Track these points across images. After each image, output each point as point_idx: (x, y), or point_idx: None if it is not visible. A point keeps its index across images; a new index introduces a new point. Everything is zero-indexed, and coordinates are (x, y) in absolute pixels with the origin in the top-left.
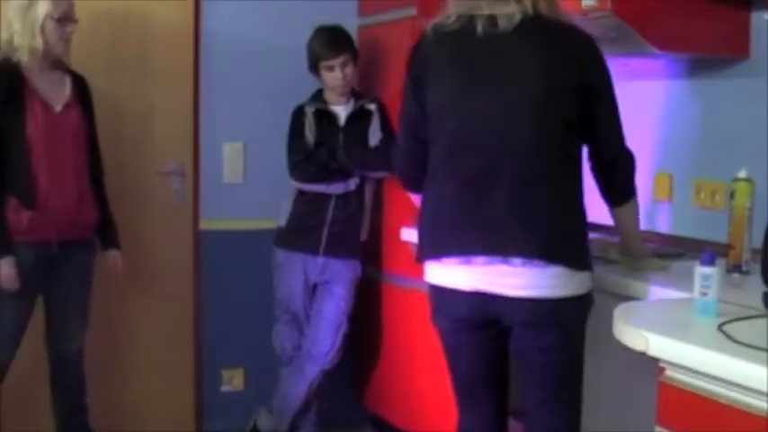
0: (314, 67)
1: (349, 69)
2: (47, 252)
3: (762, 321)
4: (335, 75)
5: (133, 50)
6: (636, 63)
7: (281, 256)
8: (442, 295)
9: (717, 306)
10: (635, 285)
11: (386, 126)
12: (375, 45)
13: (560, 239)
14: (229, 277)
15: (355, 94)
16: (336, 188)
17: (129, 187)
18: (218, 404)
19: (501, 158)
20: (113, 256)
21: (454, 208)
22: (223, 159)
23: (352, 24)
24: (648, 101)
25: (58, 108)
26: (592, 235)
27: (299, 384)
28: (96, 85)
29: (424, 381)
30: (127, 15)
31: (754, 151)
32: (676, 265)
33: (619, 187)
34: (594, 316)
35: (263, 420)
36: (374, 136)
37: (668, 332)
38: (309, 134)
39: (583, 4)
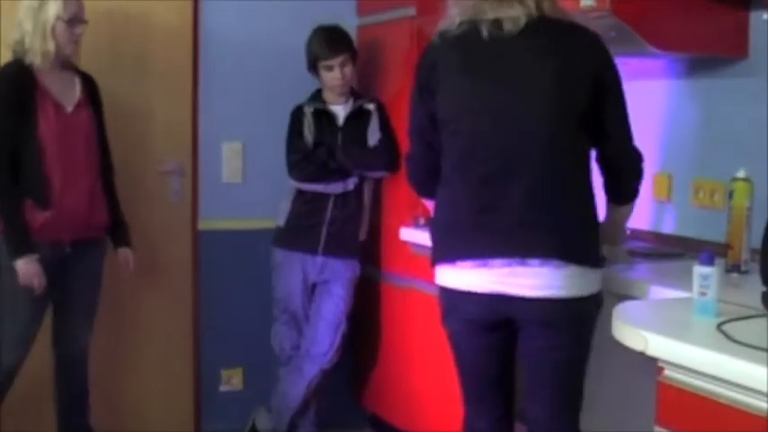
0: (313, 67)
1: (348, 69)
2: (60, 252)
3: (761, 321)
4: (334, 74)
5: (132, 50)
6: (635, 63)
7: (279, 255)
8: (455, 298)
9: (716, 306)
10: (635, 285)
11: (385, 126)
12: (374, 45)
13: (576, 239)
14: (228, 277)
15: (354, 93)
16: (335, 188)
17: (128, 187)
18: (216, 404)
19: (516, 160)
20: (125, 253)
21: (470, 211)
22: (222, 159)
23: (351, 24)
24: (647, 100)
25: (70, 108)
26: None
27: (297, 384)
28: None
29: (422, 380)
30: (126, 15)
31: (753, 151)
32: (676, 265)
33: (624, 189)
34: None
35: (262, 420)
36: (373, 136)
37: (667, 332)
38: (308, 134)
39: (581, 4)
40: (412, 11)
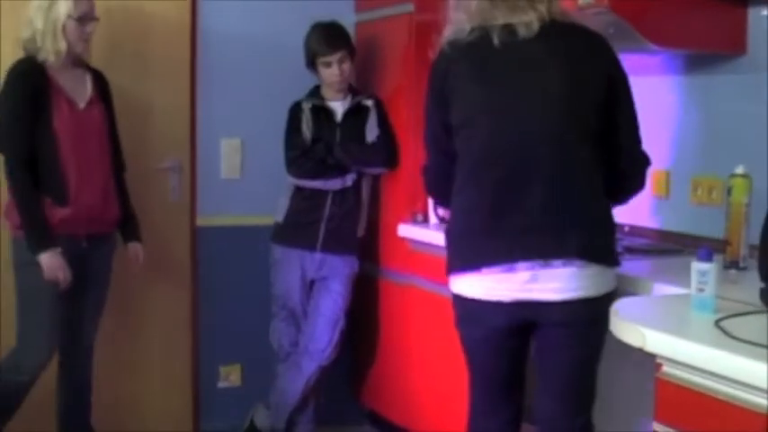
0: (311, 64)
1: (346, 65)
2: (77, 247)
3: (759, 317)
4: (332, 71)
5: (131, 47)
6: (633, 59)
7: (278, 252)
8: (477, 307)
9: (714, 302)
10: (633, 281)
11: (383, 122)
12: (372, 41)
13: (596, 238)
14: (226, 273)
15: (352, 90)
16: (333, 184)
17: (127, 184)
18: (215, 400)
19: (533, 162)
20: (135, 248)
21: (489, 216)
22: (220, 155)
23: (349, 20)
24: (645, 97)
25: (82, 105)
26: None
27: (296, 380)
28: None
29: (421, 377)
30: (125, 12)
31: (752, 147)
32: (674, 261)
33: (625, 191)
34: None
35: (261, 416)
36: (371, 132)
37: (665, 328)
38: (306, 130)
39: (580, 2)
40: (410, 7)
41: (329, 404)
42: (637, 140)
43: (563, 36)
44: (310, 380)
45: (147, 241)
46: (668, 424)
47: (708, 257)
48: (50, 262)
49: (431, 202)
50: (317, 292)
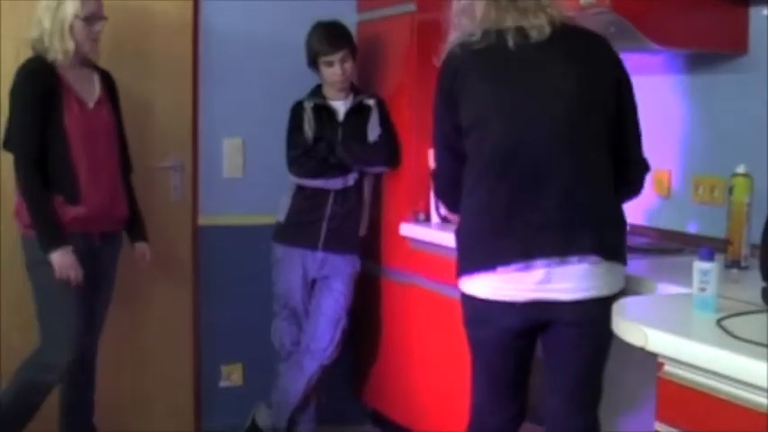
0: (313, 63)
1: (348, 65)
2: (91, 245)
3: (761, 317)
4: (334, 70)
5: (133, 46)
6: (634, 58)
7: (279, 251)
8: (489, 308)
9: (715, 301)
10: (635, 280)
11: (385, 121)
12: (374, 40)
13: (609, 235)
14: (228, 272)
15: (354, 89)
16: (335, 183)
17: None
18: (216, 399)
19: (546, 161)
20: (142, 247)
21: (504, 215)
22: (222, 155)
23: (351, 20)
24: (647, 96)
25: (91, 105)
26: None
27: (297, 380)
28: None
29: (423, 376)
30: (127, 11)
31: (753, 146)
32: (676, 261)
33: (624, 198)
34: None
35: (262, 416)
36: (373, 131)
37: (667, 327)
38: (308, 129)
39: (581, 1)
40: (411, 6)
41: (331, 403)
42: (640, 145)
43: (572, 39)
44: (312, 379)
45: (150, 240)
46: (670, 423)
47: (709, 257)
48: (61, 261)
49: (433, 201)
50: (319, 291)
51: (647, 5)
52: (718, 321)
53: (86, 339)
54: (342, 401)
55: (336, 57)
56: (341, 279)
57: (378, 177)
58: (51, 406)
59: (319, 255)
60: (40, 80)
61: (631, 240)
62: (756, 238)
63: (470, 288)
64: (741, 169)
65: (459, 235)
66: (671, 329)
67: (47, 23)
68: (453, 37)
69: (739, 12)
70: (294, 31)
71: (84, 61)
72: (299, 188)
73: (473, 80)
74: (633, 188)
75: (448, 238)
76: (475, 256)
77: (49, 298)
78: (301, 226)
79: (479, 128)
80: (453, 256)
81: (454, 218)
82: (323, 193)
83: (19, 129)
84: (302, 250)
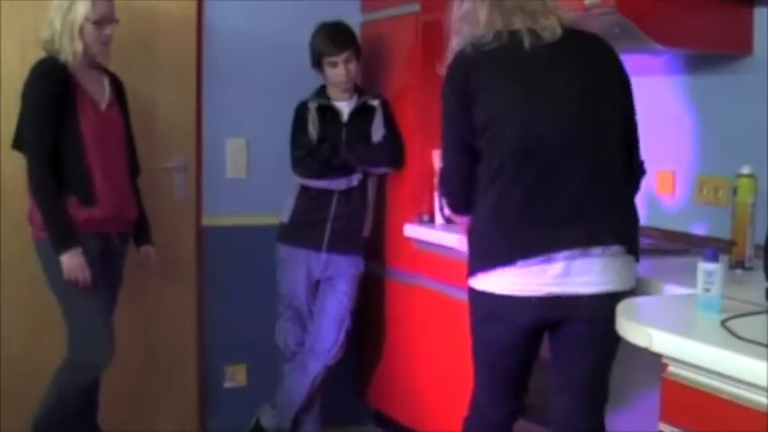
0: (317, 63)
1: (352, 65)
2: (110, 245)
3: (765, 317)
4: (338, 71)
5: (136, 46)
6: (639, 59)
7: (283, 251)
8: (504, 305)
9: (720, 302)
10: (640, 281)
11: (389, 122)
12: (378, 41)
13: (628, 227)
14: (232, 273)
15: (358, 90)
16: (339, 184)
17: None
18: (221, 400)
19: (565, 156)
20: (148, 251)
21: (524, 210)
22: (226, 155)
23: (355, 20)
24: (651, 97)
25: (103, 107)
26: None
27: (301, 380)
28: None
29: (427, 377)
30: (130, 11)
31: (757, 147)
32: (680, 261)
33: None
34: None
35: (266, 416)
36: (377, 132)
37: (671, 328)
38: (312, 130)
39: (586, 2)
40: (416, 7)
41: (335, 404)
42: (639, 148)
43: (580, 40)
44: (316, 380)
45: (153, 240)
46: (674, 424)
47: (714, 258)
48: (71, 262)
49: (437, 202)
50: (323, 292)
51: (651, 6)
52: (723, 322)
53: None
54: (346, 402)
55: (340, 57)
56: (345, 280)
57: (382, 178)
58: None
59: (323, 255)
60: (53, 80)
61: None
62: (761, 238)
63: (486, 284)
64: (745, 170)
65: (474, 233)
66: (675, 330)
67: (57, 25)
68: (455, 43)
69: (744, 12)
70: (298, 32)
71: (94, 64)
72: (303, 189)
73: (488, 79)
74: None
75: (452, 240)
76: (493, 252)
77: (74, 298)
78: (305, 227)
79: (496, 125)
80: (457, 257)
81: (459, 219)
82: (327, 193)
83: (31, 129)
84: (306, 251)
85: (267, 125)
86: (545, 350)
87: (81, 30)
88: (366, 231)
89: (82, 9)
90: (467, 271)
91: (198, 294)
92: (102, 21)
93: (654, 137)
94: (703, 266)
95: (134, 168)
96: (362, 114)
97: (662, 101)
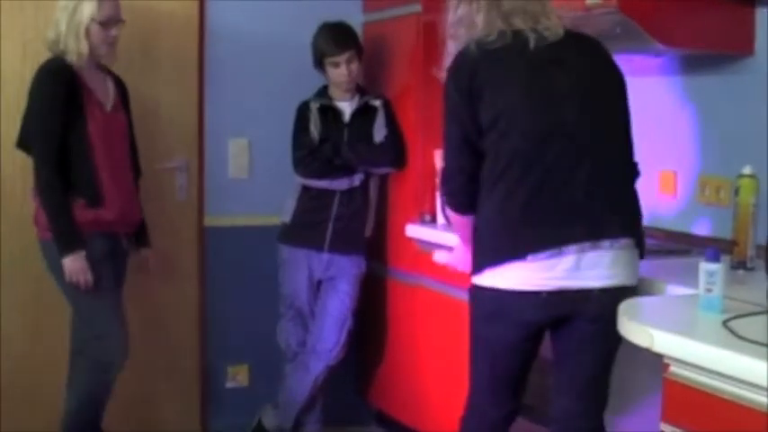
0: (319, 64)
1: (354, 66)
2: (120, 246)
3: (766, 318)
4: (340, 71)
5: (138, 47)
6: (640, 59)
7: (285, 252)
8: (512, 301)
9: (721, 302)
10: (641, 281)
11: (390, 122)
12: (380, 41)
13: (635, 221)
14: (234, 273)
15: (360, 90)
16: (341, 184)
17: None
18: (223, 400)
19: (574, 151)
20: (147, 253)
21: (533, 205)
22: (228, 155)
23: (356, 21)
24: (653, 97)
25: (109, 108)
26: None
27: (303, 381)
28: None
29: (428, 377)
30: (132, 11)
31: (759, 147)
32: (682, 262)
33: None
34: None
35: (268, 416)
36: (379, 132)
37: (673, 328)
38: (314, 130)
39: (587, 2)
40: (417, 7)
41: (336, 404)
42: (633, 150)
43: (582, 41)
44: (318, 380)
45: (155, 241)
46: (676, 424)
47: (715, 258)
48: (72, 265)
49: (439, 202)
50: (325, 292)
51: (653, 6)
52: (724, 322)
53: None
54: (347, 402)
55: (342, 58)
56: (347, 280)
57: (384, 178)
58: (54, 406)
59: (325, 256)
60: (61, 80)
61: None
62: (763, 239)
63: (492, 280)
64: (747, 170)
65: (480, 230)
66: (677, 330)
67: (63, 25)
68: (453, 47)
69: (745, 13)
70: (300, 32)
71: (98, 65)
72: (305, 189)
73: (493, 77)
74: None
75: (454, 240)
76: (502, 247)
77: (85, 298)
78: (307, 227)
79: (502, 124)
80: None
81: (457, 219)
82: (329, 193)
83: (39, 129)
84: (308, 251)
85: (269, 125)
86: (545, 350)
87: (87, 31)
88: (368, 231)
89: (88, 10)
90: (471, 268)
91: (200, 294)
92: (109, 22)
93: (656, 137)
94: (705, 267)
95: (136, 170)
96: (364, 114)
97: (664, 101)
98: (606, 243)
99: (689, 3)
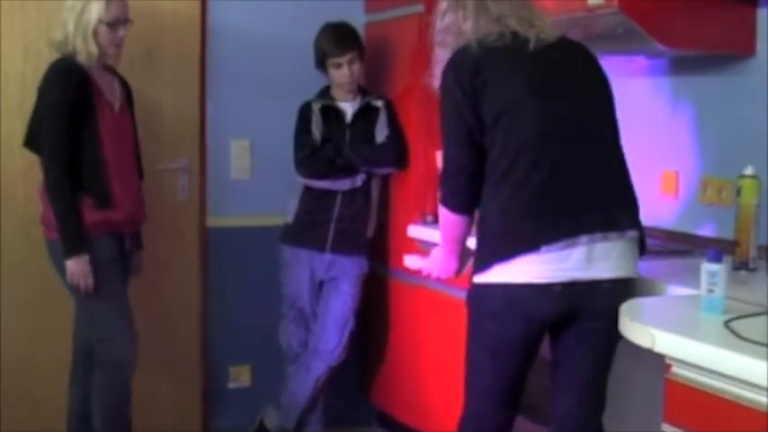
0: (321, 64)
1: (356, 66)
2: (124, 246)
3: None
4: (342, 72)
5: (140, 47)
6: (642, 60)
7: (287, 252)
8: (524, 295)
9: (723, 303)
10: (643, 282)
11: (392, 123)
12: (382, 42)
13: (637, 214)
14: (236, 274)
15: (362, 90)
16: (342, 184)
17: None
18: (225, 401)
19: (580, 144)
20: (140, 255)
21: (542, 198)
22: (230, 156)
23: (359, 21)
24: (655, 97)
25: (117, 108)
26: None
27: (305, 381)
28: None
29: (430, 377)
30: (134, 12)
31: (761, 148)
32: (684, 262)
33: None
34: None
35: (270, 417)
36: (381, 132)
37: (675, 329)
38: (316, 131)
39: (589, 2)
40: (419, 7)
41: (339, 404)
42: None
43: (572, 43)
44: (320, 380)
45: (158, 242)
46: (677, 425)
47: (717, 259)
48: (75, 268)
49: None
50: (327, 292)
51: (655, 7)
52: (726, 323)
53: (86, 342)
54: (350, 402)
55: (344, 58)
56: (349, 280)
57: (386, 179)
58: (55, 406)
59: (327, 256)
60: (72, 80)
61: None
62: (765, 239)
63: (503, 276)
64: (749, 171)
65: (487, 227)
66: (678, 331)
67: (71, 26)
68: (442, 55)
69: (747, 13)
70: (302, 33)
71: (105, 65)
72: (307, 189)
73: (497, 73)
74: None
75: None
76: (513, 241)
77: (93, 299)
78: (309, 227)
79: (510, 116)
80: None
81: (449, 218)
82: (330, 194)
83: (49, 129)
84: (310, 252)
85: (271, 126)
86: (545, 350)
87: (95, 32)
88: (370, 232)
89: (96, 10)
90: (475, 267)
91: (202, 295)
92: (116, 22)
93: (657, 138)
94: (707, 267)
95: (139, 171)
96: (366, 115)
97: (665, 102)
98: (614, 234)
99: (690, 4)
